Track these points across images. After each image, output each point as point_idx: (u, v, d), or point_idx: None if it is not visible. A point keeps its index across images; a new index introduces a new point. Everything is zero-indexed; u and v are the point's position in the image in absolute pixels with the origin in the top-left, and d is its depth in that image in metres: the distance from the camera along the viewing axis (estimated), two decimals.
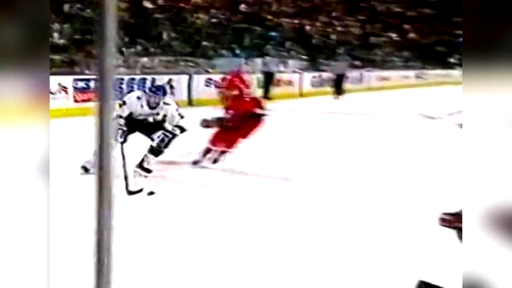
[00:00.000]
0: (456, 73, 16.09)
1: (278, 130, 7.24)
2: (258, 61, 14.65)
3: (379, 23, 24.89)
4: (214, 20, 16.22)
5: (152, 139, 4.99)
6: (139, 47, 13.05)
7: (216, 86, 5.87)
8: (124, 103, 4.92)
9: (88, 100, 9.39)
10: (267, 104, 5.96)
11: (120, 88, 10.19)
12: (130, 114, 4.94)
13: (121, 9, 13.35)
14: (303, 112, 11.48)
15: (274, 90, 14.01)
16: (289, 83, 15.32)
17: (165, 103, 4.97)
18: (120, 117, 4.83)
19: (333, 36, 21.40)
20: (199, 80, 12.19)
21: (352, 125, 9.51)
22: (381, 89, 18.74)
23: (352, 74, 17.52)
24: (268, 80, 13.92)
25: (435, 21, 25.77)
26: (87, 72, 10.29)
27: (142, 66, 12.44)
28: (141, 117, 4.98)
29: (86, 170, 4.90)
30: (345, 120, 10.26)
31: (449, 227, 2.31)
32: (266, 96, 13.14)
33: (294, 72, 16.05)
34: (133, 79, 10.70)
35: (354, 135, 8.22)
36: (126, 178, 4.41)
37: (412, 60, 23.26)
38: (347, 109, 12.41)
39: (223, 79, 6.05)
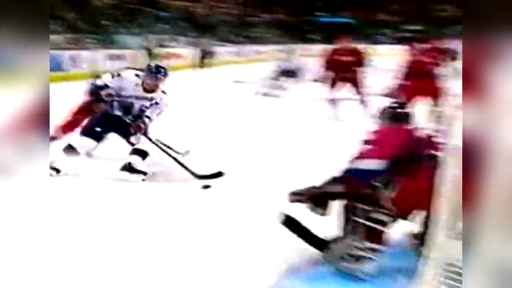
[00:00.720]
0: (314, 47, 18.39)
1: None
2: (151, 38, 15.38)
3: (255, 6, 26.80)
4: (113, 2, 16.79)
5: (132, 144, 3.91)
6: None
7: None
8: (118, 75, 3.90)
9: None
10: None
11: None
12: (117, 93, 3.87)
13: None
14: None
15: (166, 63, 15.12)
16: (179, 56, 16.59)
17: (163, 92, 3.97)
18: (107, 86, 3.83)
19: (217, 16, 22.88)
20: (100, 55, 12.89)
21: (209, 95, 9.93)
22: (256, 61, 20.56)
23: (233, 48, 19.19)
24: (149, 55, 14.44)
25: (299, 4, 28.29)
26: None
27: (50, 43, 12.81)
28: (129, 100, 3.88)
29: (57, 171, 3.77)
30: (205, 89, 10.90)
31: (300, 202, 2.19)
32: None
33: (184, 47, 17.33)
34: None
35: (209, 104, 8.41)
36: (182, 163, 3.76)
37: (281, 36, 25.51)
38: (207, 79, 12.92)
39: None
